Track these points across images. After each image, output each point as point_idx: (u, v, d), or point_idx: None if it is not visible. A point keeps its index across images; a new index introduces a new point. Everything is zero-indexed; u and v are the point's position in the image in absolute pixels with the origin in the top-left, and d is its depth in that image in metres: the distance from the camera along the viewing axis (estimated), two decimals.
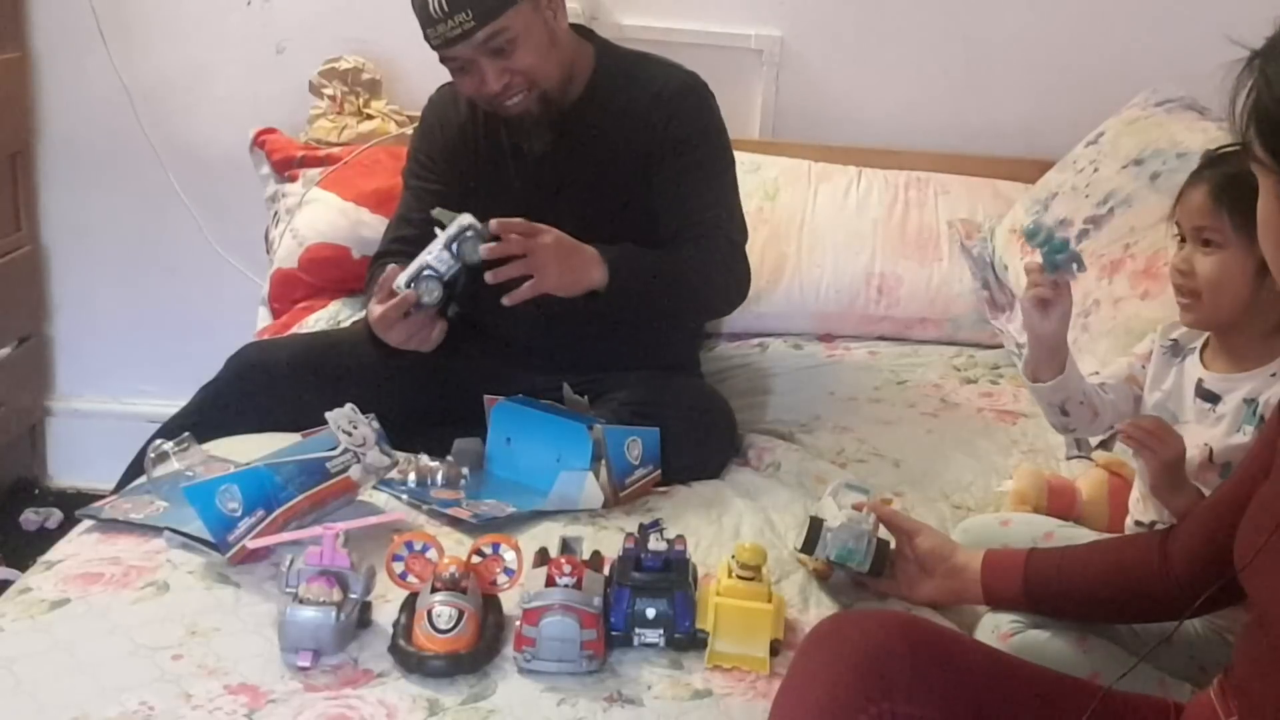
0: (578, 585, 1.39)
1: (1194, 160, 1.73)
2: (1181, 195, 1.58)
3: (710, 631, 1.41)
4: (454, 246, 1.80)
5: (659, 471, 1.85)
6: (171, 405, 2.05)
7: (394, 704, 1.30)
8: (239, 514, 1.52)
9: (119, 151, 2.95)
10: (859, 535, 1.56)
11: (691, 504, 1.80)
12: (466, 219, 1.80)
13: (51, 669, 1.33)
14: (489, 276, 1.78)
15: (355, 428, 1.68)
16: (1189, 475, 1.54)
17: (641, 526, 1.56)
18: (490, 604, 1.44)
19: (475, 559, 1.47)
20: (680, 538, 1.51)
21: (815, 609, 1.55)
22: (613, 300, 1.87)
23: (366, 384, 1.89)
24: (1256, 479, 1.22)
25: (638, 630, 1.42)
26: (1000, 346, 2.54)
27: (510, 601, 1.46)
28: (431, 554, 1.48)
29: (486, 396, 1.93)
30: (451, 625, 1.35)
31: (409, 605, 1.43)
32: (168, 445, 1.76)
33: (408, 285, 1.81)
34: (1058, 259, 1.60)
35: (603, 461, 1.76)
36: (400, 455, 1.77)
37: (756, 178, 2.66)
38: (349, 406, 1.70)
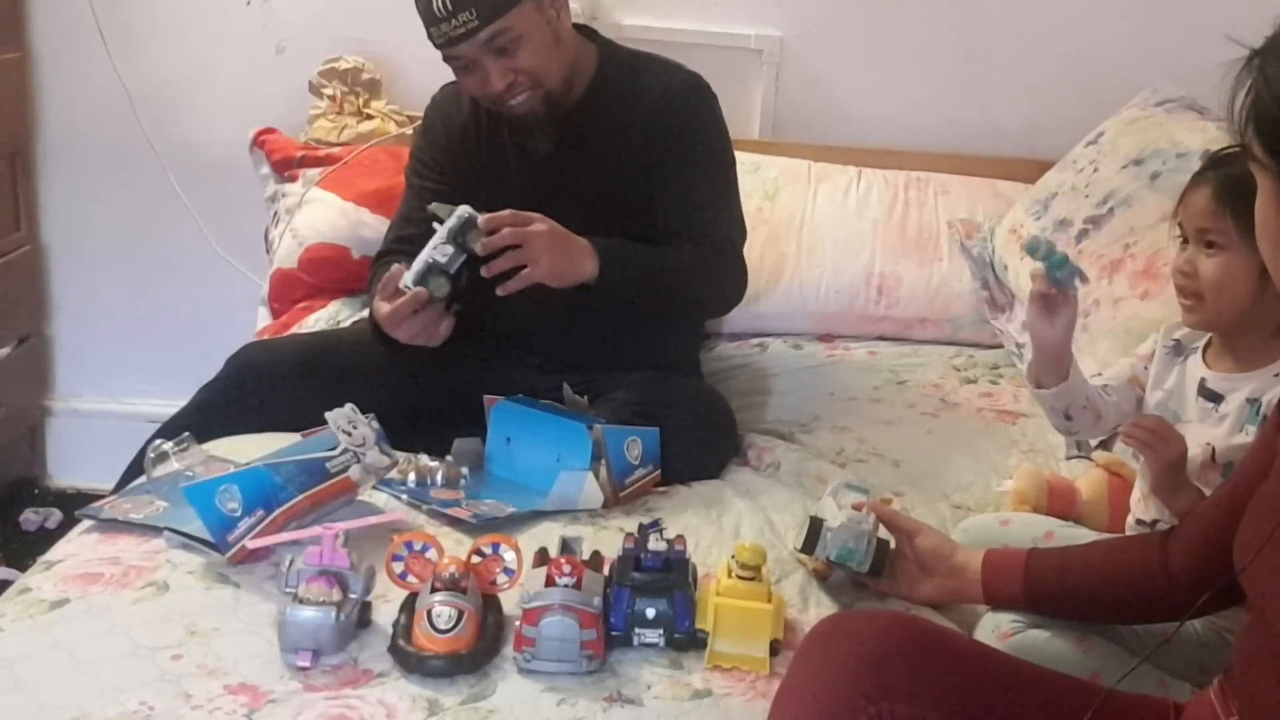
0: (577, 585, 1.39)
1: (1194, 160, 1.72)
2: (1184, 196, 1.57)
3: (710, 631, 1.41)
4: (456, 237, 1.80)
5: (659, 471, 1.85)
6: (171, 405, 2.05)
7: (394, 704, 1.30)
8: (239, 514, 1.51)
9: (119, 151, 2.95)
10: (859, 535, 1.56)
11: (691, 504, 1.80)
12: (465, 210, 1.81)
13: (51, 669, 1.33)
14: (484, 270, 1.79)
15: (355, 428, 1.68)
16: (1191, 475, 1.54)
17: (641, 526, 1.56)
18: (490, 604, 1.44)
19: (475, 559, 1.47)
20: (680, 538, 1.51)
21: (815, 609, 1.55)
22: (602, 293, 1.87)
23: (366, 384, 1.89)
24: (1257, 479, 1.22)
25: (637, 630, 1.42)
26: (1000, 346, 2.53)
27: (510, 601, 1.46)
28: (431, 554, 1.47)
29: (486, 396, 1.93)
30: (451, 625, 1.35)
31: (409, 605, 1.43)
32: (167, 445, 1.76)
33: (415, 283, 1.81)
34: (1058, 275, 1.59)
35: (602, 461, 1.76)
36: (400, 455, 1.77)
37: (756, 178, 2.65)
38: (349, 406, 1.70)
